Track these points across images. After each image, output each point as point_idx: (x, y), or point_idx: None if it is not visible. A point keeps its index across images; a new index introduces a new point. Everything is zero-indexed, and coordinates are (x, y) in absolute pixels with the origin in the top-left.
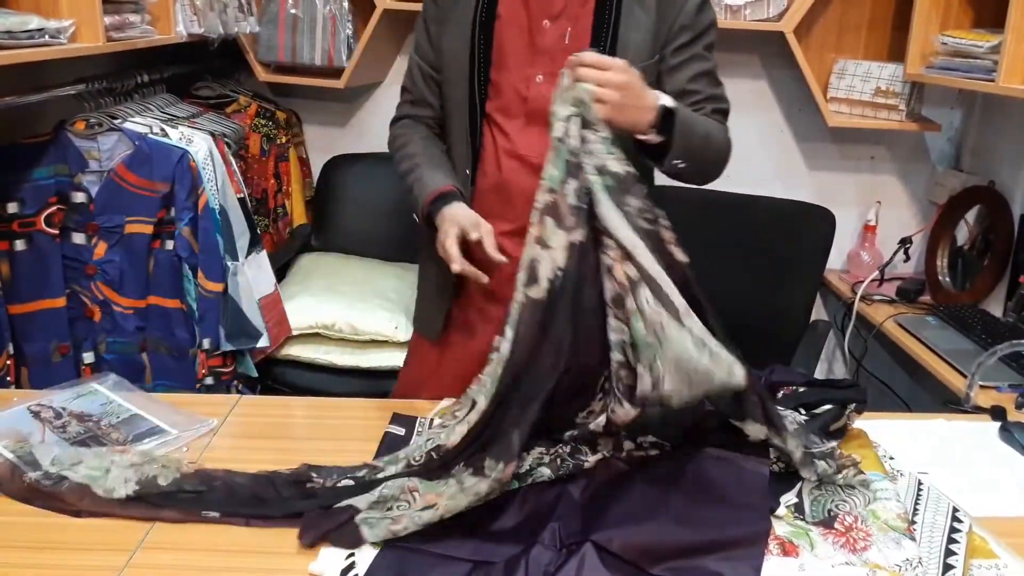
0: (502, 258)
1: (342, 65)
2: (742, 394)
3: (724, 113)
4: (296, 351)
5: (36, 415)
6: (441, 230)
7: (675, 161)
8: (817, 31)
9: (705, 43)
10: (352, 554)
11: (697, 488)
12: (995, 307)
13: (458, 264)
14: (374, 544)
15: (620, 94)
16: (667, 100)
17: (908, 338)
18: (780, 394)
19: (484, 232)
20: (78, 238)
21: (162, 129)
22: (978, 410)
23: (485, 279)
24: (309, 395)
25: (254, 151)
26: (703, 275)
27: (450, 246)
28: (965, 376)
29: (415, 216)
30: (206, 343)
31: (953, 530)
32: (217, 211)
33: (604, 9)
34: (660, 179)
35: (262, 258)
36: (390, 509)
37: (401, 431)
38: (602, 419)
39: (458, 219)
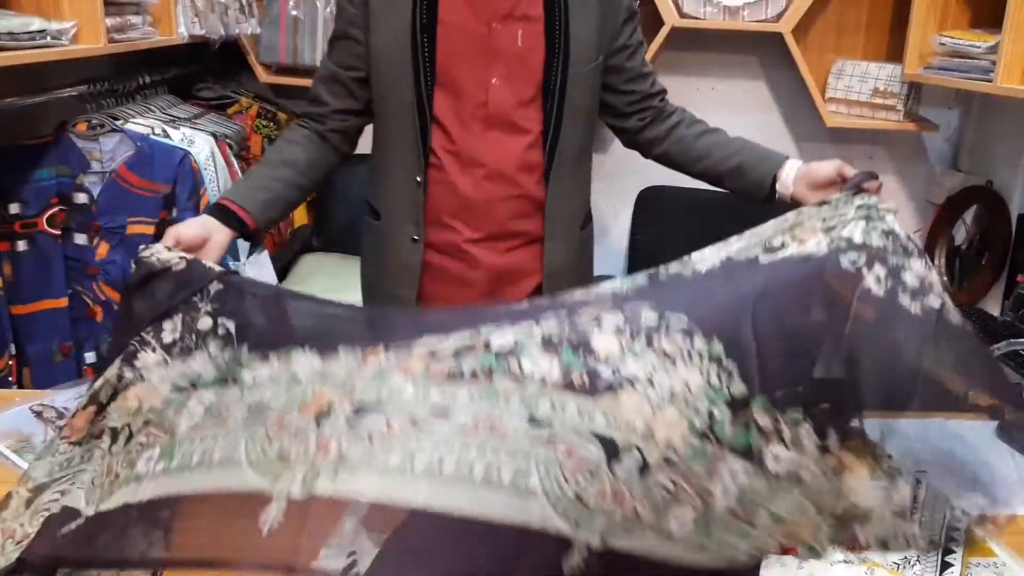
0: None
1: None
2: None
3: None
4: None
5: (38, 415)
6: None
7: None
8: (815, 32)
9: (637, 25)
10: (353, 552)
11: None
12: (993, 306)
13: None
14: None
15: None
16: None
17: None
18: (779, 393)
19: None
20: (80, 239)
21: (164, 130)
22: (976, 409)
23: None
24: None
25: (255, 152)
26: None
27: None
28: None
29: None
30: None
31: (951, 528)
32: None
33: (554, 9)
34: (658, 179)
35: (264, 259)
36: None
37: None
38: None
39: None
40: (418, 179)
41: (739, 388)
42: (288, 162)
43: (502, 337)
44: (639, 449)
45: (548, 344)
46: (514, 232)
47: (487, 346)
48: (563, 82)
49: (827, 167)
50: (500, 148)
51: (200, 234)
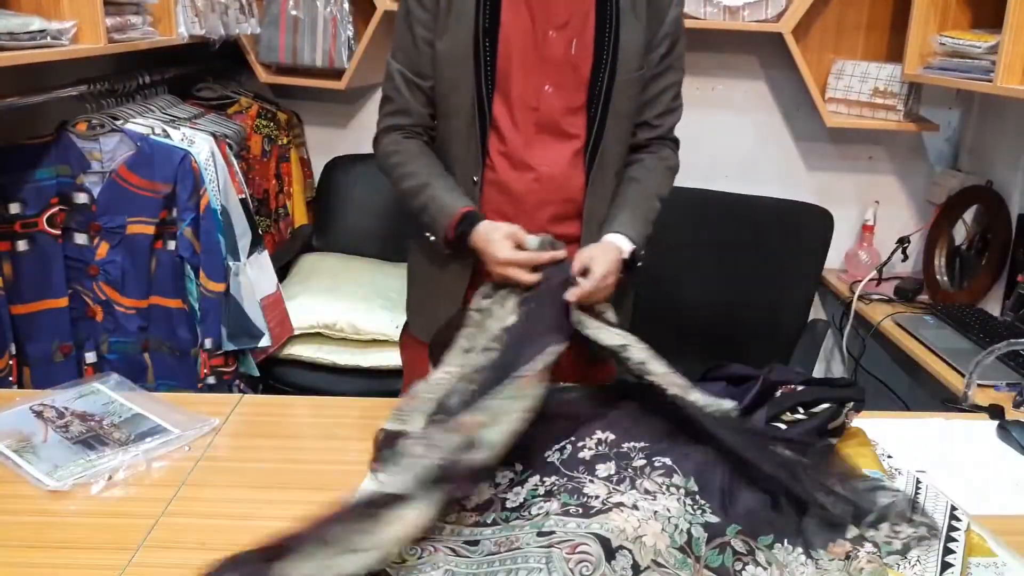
0: (561, 253)
1: (343, 66)
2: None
3: (673, 132)
4: (298, 351)
5: (38, 415)
6: (491, 248)
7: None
8: (815, 32)
9: (679, 53)
10: None
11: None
12: (993, 306)
13: (530, 277)
14: None
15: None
16: (624, 243)
17: (906, 337)
18: (778, 393)
19: (525, 236)
20: (80, 238)
21: (164, 130)
22: (976, 409)
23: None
24: (311, 395)
25: (255, 152)
26: (703, 275)
27: (512, 257)
28: (963, 375)
29: (429, 236)
30: (208, 343)
31: (951, 528)
32: (219, 211)
33: (605, 20)
34: None
35: (264, 258)
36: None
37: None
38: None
39: (502, 235)
40: (475, 179)
41: (713, 518)
42: (445, 170)
43: (515, 498)
44: (630, 552)
45: (549, 495)
46: (555, 235)
47: (503, 504)
48: (608, 90)
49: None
50: (550, 153)
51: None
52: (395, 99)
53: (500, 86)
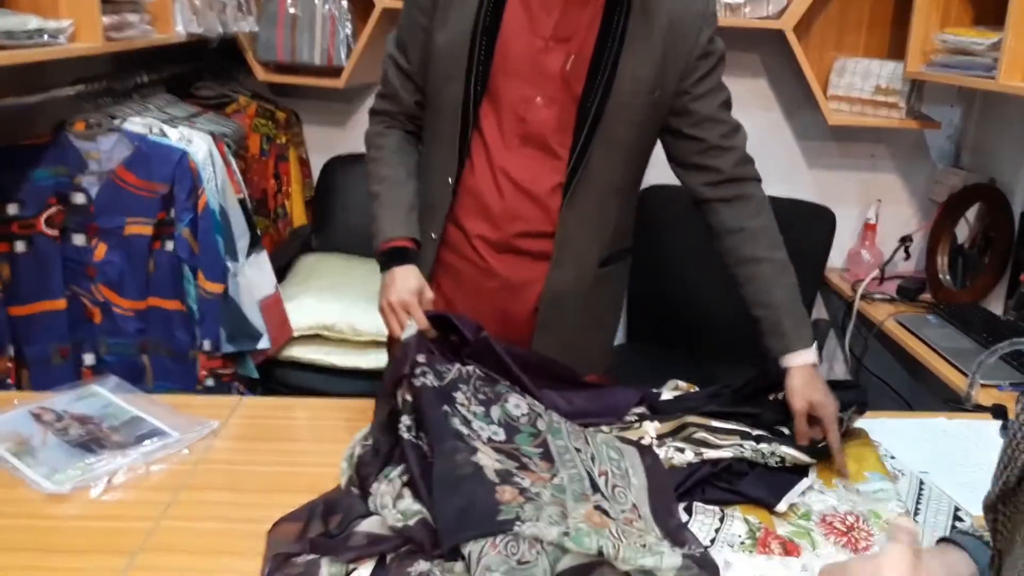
0: (431, 333)
1: (341, 64)
2: None
3: (744, 146)
4: (297, 352)
5: (37, 418)
6: (386, 292)
7: None
8: (817, 29)
9: (721, 72)
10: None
11: None
12: (995, 305)
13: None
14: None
15: None
16: (809, 355)
17: (909, 337)
18: (780, 395)
19: (425, 302)
20: (78, 239)
21: (161, 129)
22: (979, 409)
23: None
24: (310, 396)
25: (254, 151)
26: (704, 274)
27: (393, 326)
28: (966, 375)
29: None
30: (207, 344)
31: (954, 529)
32: (217, 212)
33: (607, 38)
34: (659, 178)
35: (262, 259)
36: None
37: None
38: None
39: (405, 288)
40: (450, 180)
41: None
42: (412, 173)
43: None
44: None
45: None
46: (526, 249)
47: None
48: (598, 114)
49: (799, 405)
50: (532, 168)
51: (414, 286)
52: (387, 84)
53: (491, 89)
